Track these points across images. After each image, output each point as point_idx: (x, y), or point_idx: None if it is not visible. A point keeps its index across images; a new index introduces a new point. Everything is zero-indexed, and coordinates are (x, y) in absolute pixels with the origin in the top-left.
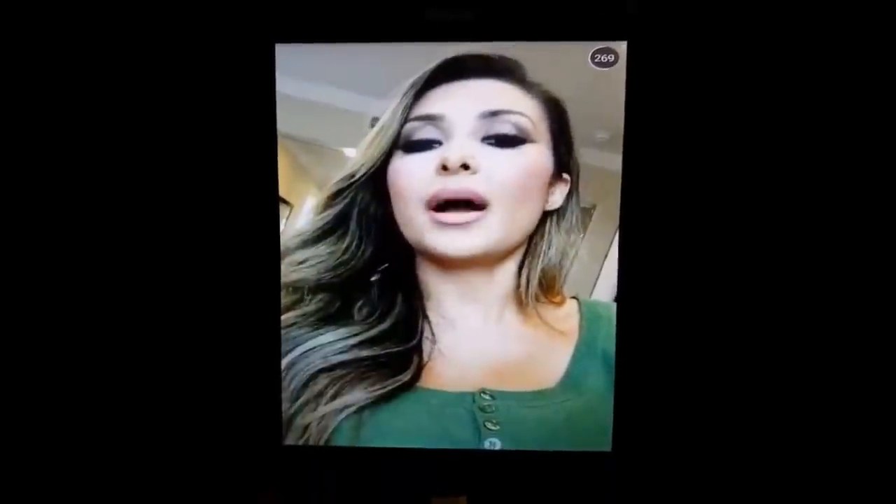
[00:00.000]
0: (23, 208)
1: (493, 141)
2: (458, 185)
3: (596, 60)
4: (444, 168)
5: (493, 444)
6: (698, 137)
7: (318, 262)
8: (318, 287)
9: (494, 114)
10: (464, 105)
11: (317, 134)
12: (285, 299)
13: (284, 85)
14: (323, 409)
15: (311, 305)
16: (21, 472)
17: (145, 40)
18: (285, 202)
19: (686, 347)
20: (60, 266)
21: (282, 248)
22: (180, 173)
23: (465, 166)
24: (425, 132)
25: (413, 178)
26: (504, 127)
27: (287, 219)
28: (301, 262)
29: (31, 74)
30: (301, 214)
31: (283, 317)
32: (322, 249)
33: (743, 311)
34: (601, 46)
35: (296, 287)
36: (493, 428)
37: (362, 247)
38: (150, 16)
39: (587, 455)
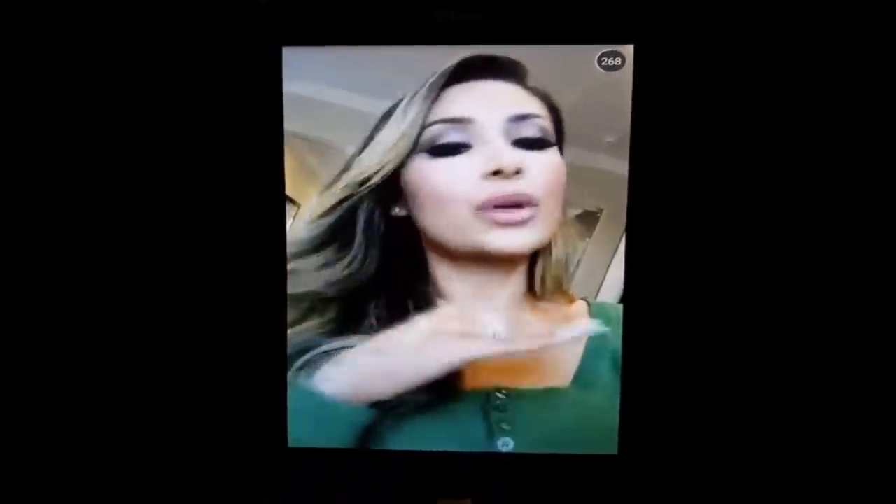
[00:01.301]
0: (29, 208)
1: (522, 144)
2: (513, 188)
3: (603, 64)
4: (497, 173)
5: (507, 443)
6: (706, 141)
7: (324, 268)
8: (326, 290)
9: (522, 118)
10: (488, 107)
11: (325, 134)
12: (295, 312)
13: (293, 85)
14: None
15: (321, 305)
16: (22, 472)
17: (151, 43)
18: (292, 202)
19: (693, 351)
20: (61, 266)
21: (287, 251)
22: (186, 174)
23: (518, 171)
24: (452, 136)
25: (454, 182)
26: (532, 130)
27: (293, 219)
28: (305, 267)
29: (36, 76)
30: (307, 215)
31: (292, 314)
32: (328, 255)
33: (751, 315)
34: (608, 50)
35: (303, 298)
36: (506, 427)
37: (370, 251)
38: (156, 19)
39: (594, 458)
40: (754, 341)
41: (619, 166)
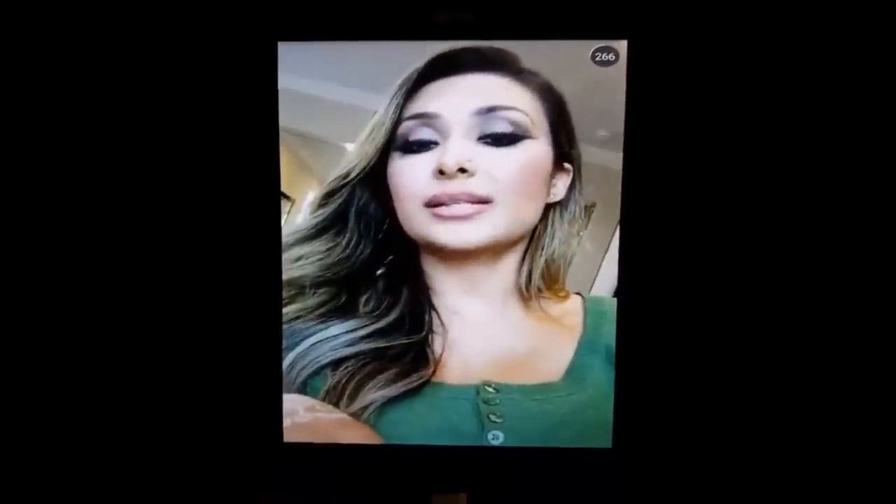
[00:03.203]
0: (23, 201)
1: (489, 139)
2: (456, 189)
3: (597, 59)
4: (442, 172)
5: (496, 436)
6: (699, 136)
7: (316, 259)
8: (319, 282)
9: (490, 110)
10: (458, 102)
11: (318, 128)
12: (287, 293)
13: (286, 80)
14: (346, 410)
15: (314, 299)
16: (19, 471)
17: (147, 38)
18: (287, 197)
19: (687, 344)
20: (58, 262)
21: (282, 243)
22: (181, 170)
23: (463, 170)
24: (421, 133)
25: (412, 180)
26: (500, 125)
27: (288, 214)
28: (298, 259)
29: (32, 69)
30: (301, 210)
31: (286, 309)
32: (319, 246)
33: (744, 308)
34: (601, 45)
35: (296, 283)
36: (496, 420)
37: (361, 244)
38: (152, 14)
39: (588, 451)
40: (748, 335)
41: (614, 160)
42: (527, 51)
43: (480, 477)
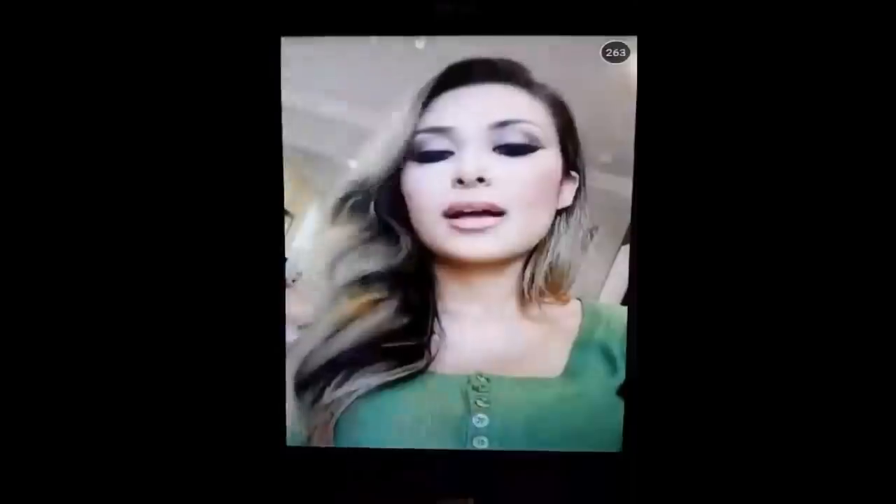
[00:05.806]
0: (22, 212)
1: (504, 150)
2: (474, 198)
3: (607, 55)
4: (460, 181)
5: (482, 420)
6: (710, 134)
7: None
8: None
9: (504, 124)
10: (473, 115)
11: (319, 145)
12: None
13: (286, 96)
14: (330, 395)
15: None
16: (21, 473)
17: (148, 40)
18: (287, 213)
19: (697, 348)
20: (60, 271)
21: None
22: (182, 170)
23: (481, 179)
24: (436, 143)
25: (429, 189)
26: (515, 136)
27: (289, 230)
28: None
29: (31, 73)
30: (306, 224)
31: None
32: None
33: (755, 312)
34: (612, 41)
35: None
36: (482, 405)
37: (374, 249)
38: (153, 15)
39: (596, 456)
40: (758, 339)
41: (627, 155)
42: (538, 47)
43: (487, 481)
